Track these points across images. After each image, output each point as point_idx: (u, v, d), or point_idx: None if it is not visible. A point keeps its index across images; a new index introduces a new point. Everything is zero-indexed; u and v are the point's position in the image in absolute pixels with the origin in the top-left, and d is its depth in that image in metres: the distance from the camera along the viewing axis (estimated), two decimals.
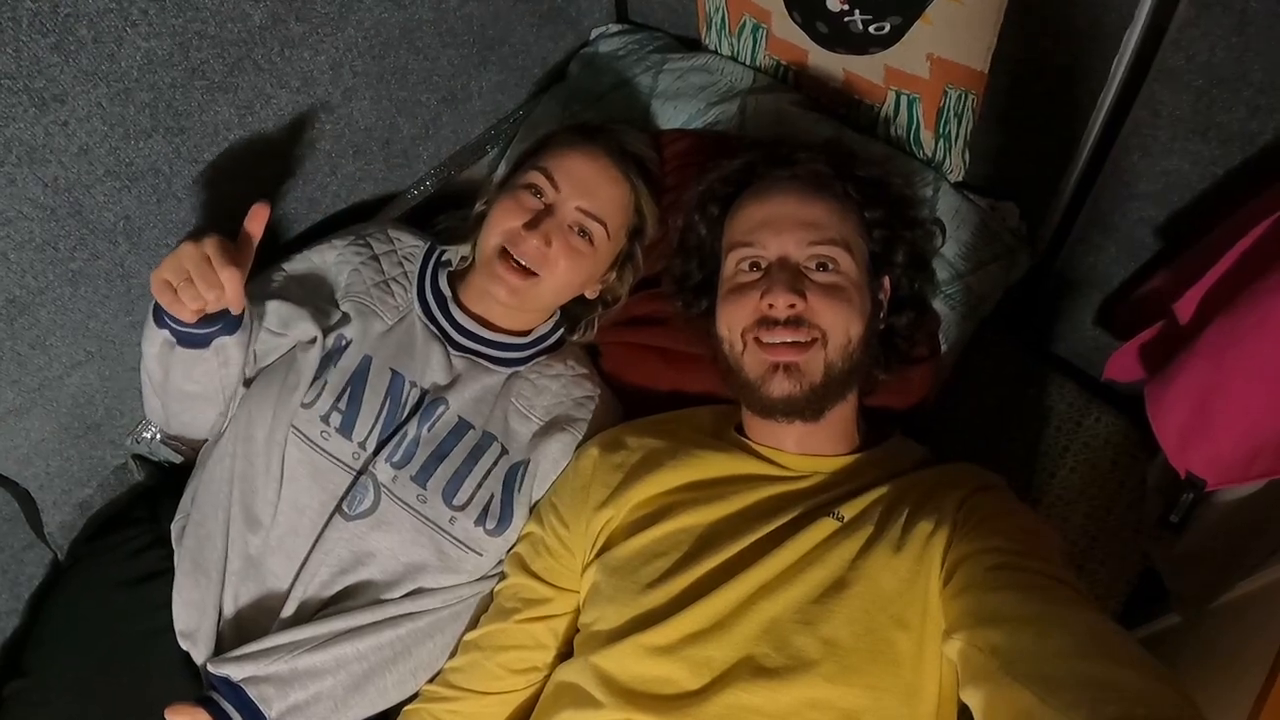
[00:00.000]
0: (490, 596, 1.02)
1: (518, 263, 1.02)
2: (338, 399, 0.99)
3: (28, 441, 1.00)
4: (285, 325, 1.01)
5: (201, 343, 0.92)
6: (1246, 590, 0.99)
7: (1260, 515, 0.97)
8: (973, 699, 0.72)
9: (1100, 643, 0.68)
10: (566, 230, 1.03)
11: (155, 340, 0.92)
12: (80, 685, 0.95)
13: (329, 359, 1.01)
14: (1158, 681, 0.64)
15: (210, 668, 0.91)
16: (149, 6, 0.86)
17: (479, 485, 1.01)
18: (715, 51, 1.30)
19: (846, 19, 1.07)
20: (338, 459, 0.98)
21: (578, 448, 1.05)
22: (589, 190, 1.04)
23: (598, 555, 0.95)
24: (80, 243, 0.93)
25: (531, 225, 1.01)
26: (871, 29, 1.05)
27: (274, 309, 1.01)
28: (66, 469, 1.06)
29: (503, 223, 1.03)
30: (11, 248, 0.88)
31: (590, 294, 1.13)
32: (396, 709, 0.99)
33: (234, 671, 0.90)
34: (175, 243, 1.00)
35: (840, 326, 0.91)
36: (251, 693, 0.89)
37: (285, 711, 0.90)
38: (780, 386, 0.90)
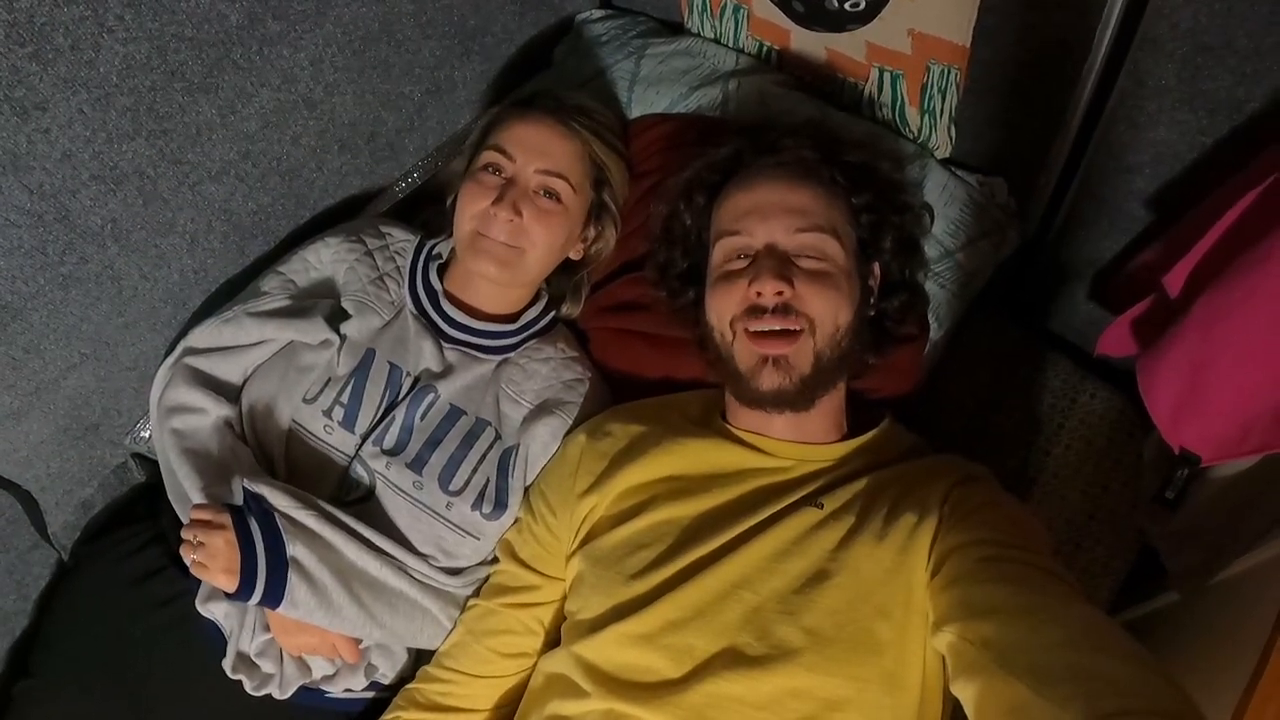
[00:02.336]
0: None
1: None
2: (340, 393, 1.01)
3: (27, 444, 1.02)
4: (301, 333, 1.03)
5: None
6: (1244, 567, 0.98)
7: (1255, 490, 0.96)
8: (964, 692, 0.72)
9: (1093, 635, 0.68)
10: (533, 195, 1.04)
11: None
12: (84, 683, 0.97)
13: (333, 358, 1.03)
14: (1152, 675, 0.63)
15: (246, 484, 0.92)
16: (124, 12, 0.86)
17: (474, 470, 1.02)
18: (698, 34, 1.29)
19: None
20: (343, 453, 1.00)
21: (567, 433, 1.06)
22: (543, 151, 1.05)
23: (582, 544, 0.96)
24: (69, 247, 0.94)
25: (499, 200, 1.02)
26: (847, 5, 1.04)
27: (287, 316, 1.03)
28: (67, 470, 1.08)
29: (470, 206, 1.04)
30: (0, 254, 0.89)
31: (575, 255, 1.13)
32: (386, 699, 1.01)
33: (269, 495, 0.92)
34: (163, 243, 1.02)
35: (828, 314, 0.90)
36: (281, 522, 0.91)
37: (292, 561, 0.91)
38: (770, 379, 0.90)
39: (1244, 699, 0.78)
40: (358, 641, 0.98)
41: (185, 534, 0.89)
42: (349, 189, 1.22)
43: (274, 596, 0.89)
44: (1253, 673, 0.79)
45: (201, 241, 1.07)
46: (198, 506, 0.90)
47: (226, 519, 0.89)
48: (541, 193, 1.04)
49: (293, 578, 0.89)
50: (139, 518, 1.08)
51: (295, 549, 0.90)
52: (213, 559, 0.88)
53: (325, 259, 1.10)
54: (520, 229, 1.03)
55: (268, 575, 0.88)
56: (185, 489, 0.95)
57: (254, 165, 1.07)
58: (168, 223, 1.02)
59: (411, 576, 0.97)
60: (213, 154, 1.02)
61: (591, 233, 1.13)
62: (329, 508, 0.94)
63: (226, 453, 0.98)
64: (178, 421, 1.00)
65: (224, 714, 0.98)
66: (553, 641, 0.99)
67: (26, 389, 0.98)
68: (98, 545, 1.08)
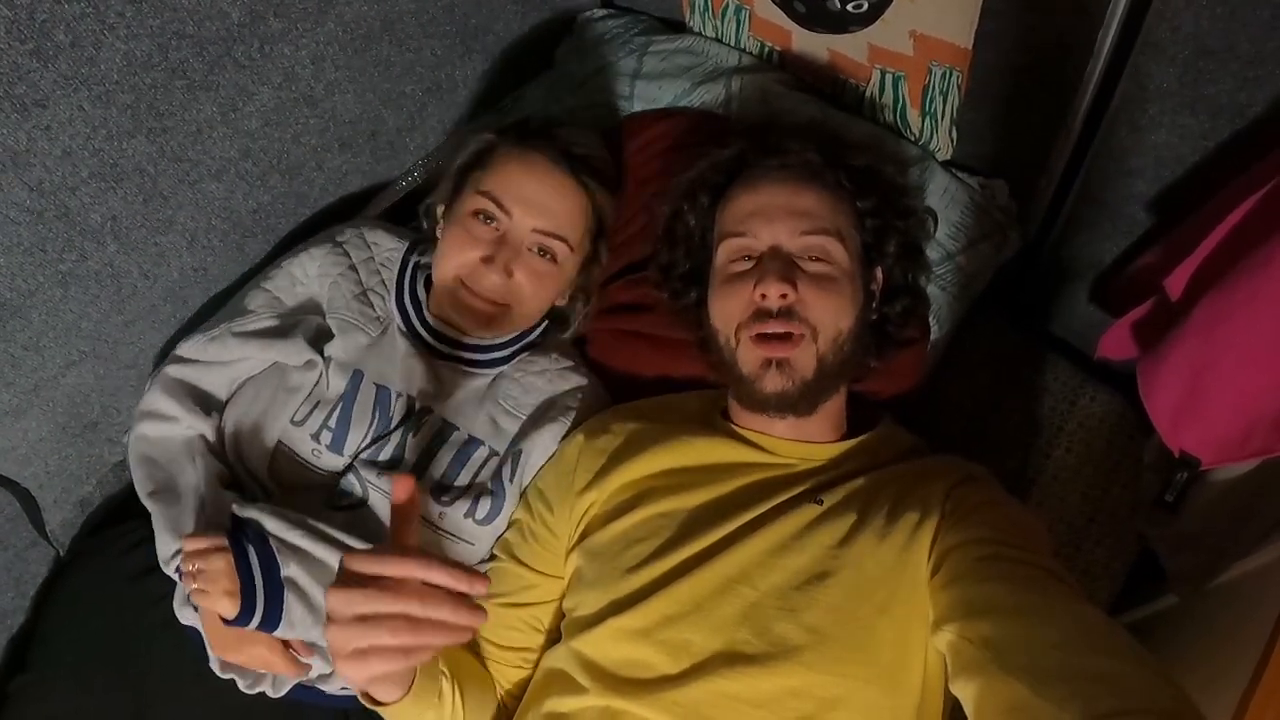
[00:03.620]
0: None
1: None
2: (328, 417, 0.99)
3: (26, 441, 1.02)
4: (283, 355, 1.02)
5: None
6: (1243, 570, 0.98)
7: (1255, 494, 0.96)
8: (963, 691, 0.71)
9: (1093, 635, 0.68)
10: (526, 254, 1.00)
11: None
12: (81, 679, 0.97)
13: (319, 380, 1.02)
14: (1152, 675, 0.63)
15: (236, 509, 0.91)
16: (125, 9, 0.86)
17: (468, 484, 1.01)
18: (700, 34, 1.29)
19: None
20: (329, 472, 0.99)
21: (565, 435, 1.05)
22: (543, 210, 1.00)
23: (580, 540, 0.96)
24: (68, 244, 0.94)
25: (489, 260, 0.98)
26: (849, 6, 1.04)
27: (270, 337, 1.02)
28: (65, 467, 1.07)
29: (455, 255, 1.00)
30: (0, 251, 0.89)
31: (561, 301, 1.11)
32: None
33: (261, 518, 0.91)
34: (163, 241, 1.02)
35: (830, 319, 0.90)
36: (274, 544, 0.90)
37: (288, 582, 0.90)
38: (773, 382, 0.90)
39: (1243, 701, 0.78)
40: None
41: (184, 564, 0.89)
42: (349, 187, 1.21)
43: (272, 619, 0.89)
44: (1252, 675, 0.79)
45: (201, 239, 1.07)
46: (191, 537, 0.90)
47: (224, 542, 0.89)
48: (536, 250, 1.00)
49: (289, 598, 0.89)
50: (136, 515, 1.07)
51: (290, 569, 0.90)
52: (214, 582, 0.87)
53: (311, 273, 1.08)
54: (509, 288, 0.99)
55: (266, 599, 0.88)
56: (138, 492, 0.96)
57: (254, 163, 1.07)
58: (167, 220, 1.02)
59: None
60: (213, 152, 1.02)
61: (579, 281, 1.10)
62: (320, 525, 0.94)
63: (185, 467, 0.97)
64: (147, 427, 1.00)
65: (223, 709, 0.97)
66: (553, 641, 0.98)
67: (25, 386, 0.98)
68: (95, 542, 1.08)
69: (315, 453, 0.99)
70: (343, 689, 1.01)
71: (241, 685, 0.94)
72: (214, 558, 0.88)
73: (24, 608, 1.08)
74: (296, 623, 0.90)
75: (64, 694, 0.97)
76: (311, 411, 1.00)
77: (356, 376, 1.01)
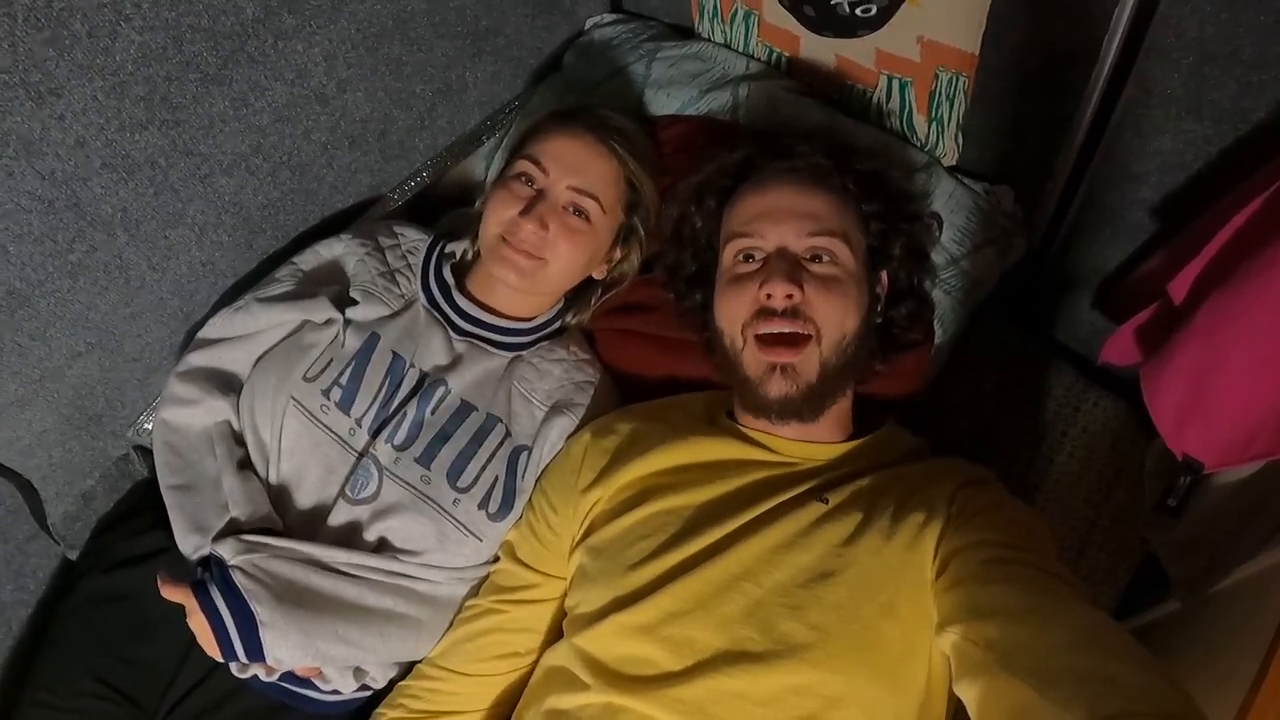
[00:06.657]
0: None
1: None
2: (340, 375, 1.01)
3: (30, 433, 1.02)
4: (307, 312, 1.04)
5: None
6: (1244, 575, 0.98)
7: (1257, 497, 0.96)
8: (967, 693, 0.71)
9: (1098, 637, 0.68)
10: (561, 211, 1.04)
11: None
12: (89, 667, 0.97)
13: (336, 338, 1.04)
14: (1156, 677, 0.63)
15: (211, 547, 0.92)
16: (142, 0, 0.87)
17: (483, 467, 1.02)
18: (709, 39, 1.31)
19: (833, 1, 1.06)
20: (335, 433, 1.00)
21: (572, 433, 1.05)
22: (576, 168, 1.05)
23: (584, 538, 0.96)
24: (79, 235, 0.94)
25: (526, 211, 1.02)
26: (858, 11, 1.05)
27: (294, 299, 1.05)
28: (69, 460, 1.07)
29: (499, 213, 1.04)
30: (10, 240, 0.89)
31: (598, 274, 1.14)
32: (377, 699, 1.00)
33: (228, 554, 0.91)
34: (172, 235, 1.02)
35: (835, 321, 0.91)
36: (241, 581, 0.90)
37: (261, 625, 0.90)
38: (778, 387, 0.90)
39: (1245, 705, 0.78)
40: None
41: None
42: (358, 185, 1.22)
43: (258, 656, 0.89)
44: (1253, 681, 0.79)
45: (210, 234, 1.07)
46: (164, 584, 0.91)
47: (189, 598, 0.89)
48: (571, 209, 1.05)
49: (266, 638, 0.89)
50: (144, 509, 1.07)
51: (261, 611, 0.89)
52: (197, 634, 0.90)
53: (337, 251, 1.12)
54: (545, 241, 1.03)
55: (243, 642, 0.89)
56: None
57: (265, 159, 1.07)
58: (177, 214, 1.02)
59: (400, 587, 0.97)
60: (224, 146, 1.02)
61: (618, 254, 1.13)
62: (298, 545, 0.94)
63: (205, 457, 1.00)
64: (168, 412, 1.02)
65: (233, 693, 0.97)
66: (551, 641, 0.98)
67: (31, 376, 0.98)
68: (101, 539, 1.08)
69: (324, 409, 1.00)
70: (334, 693, 1.01)
71: (234, 669, 0.94)
72: (191, 617, 0.89)
73: (24, 601, 1.07)
74: (283, 660, 0.91)
75: (73, 683, 0.96)
76: (325, 368, 1.02)
77: (373, 339, 1.04)
